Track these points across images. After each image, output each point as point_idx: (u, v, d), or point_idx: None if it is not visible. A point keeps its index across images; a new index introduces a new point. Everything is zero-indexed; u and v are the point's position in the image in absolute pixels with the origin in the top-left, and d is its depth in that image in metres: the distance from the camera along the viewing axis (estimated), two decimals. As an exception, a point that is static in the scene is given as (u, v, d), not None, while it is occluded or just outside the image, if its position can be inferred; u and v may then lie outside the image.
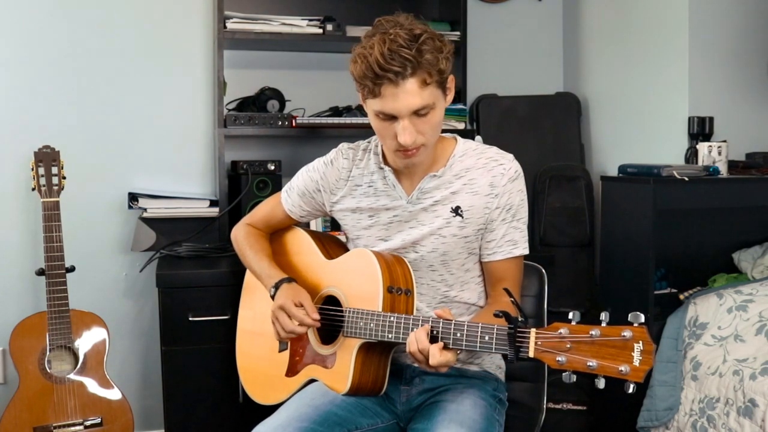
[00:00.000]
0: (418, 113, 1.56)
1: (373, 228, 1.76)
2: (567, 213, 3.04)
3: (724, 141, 2.59)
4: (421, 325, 1.51)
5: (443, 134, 1.77)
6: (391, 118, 1.58)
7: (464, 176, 1.70)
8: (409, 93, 1.53)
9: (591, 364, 1.30)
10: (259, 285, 1.85)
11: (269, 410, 1.71)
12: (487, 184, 1.69)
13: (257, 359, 1.92)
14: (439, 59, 1.54)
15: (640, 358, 1.27)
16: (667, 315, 2.49)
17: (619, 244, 2.58)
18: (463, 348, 1.47)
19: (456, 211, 1.69)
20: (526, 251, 1.75)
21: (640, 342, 1.27)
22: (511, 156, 1.73)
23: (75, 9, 2.78)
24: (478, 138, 2.79)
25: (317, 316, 1.68)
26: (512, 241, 1.72)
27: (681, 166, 2.50)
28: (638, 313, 1.29)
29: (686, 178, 2.40)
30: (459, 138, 1.78)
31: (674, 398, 2.35)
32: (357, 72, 1.57)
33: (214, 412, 2.37)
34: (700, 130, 2.65)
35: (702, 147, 2.57)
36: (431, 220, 1.71)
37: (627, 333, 1.28)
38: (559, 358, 1.32)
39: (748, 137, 2.78)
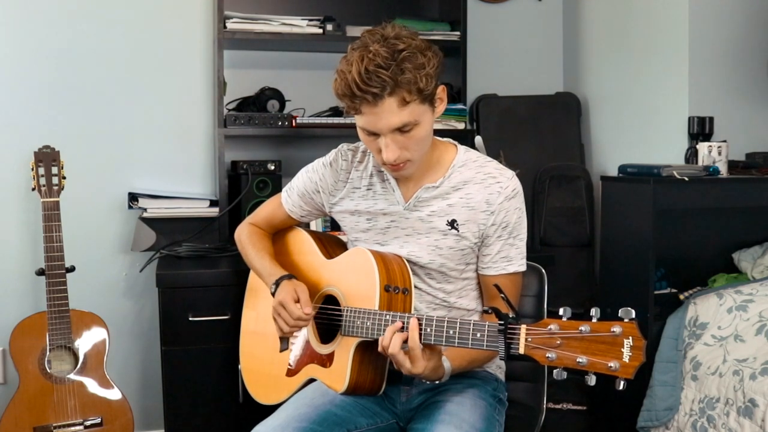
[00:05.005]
0: (401, 130, 1.55)
1: (370, 231, 1.76)
2: (567, 213, 3.04)
3: (724, 141, 2.58)
4: (407, 323, 1.51)
5: (442, 139, 1.77)
6: (374, 133, 1.57)
7: (462, 189, 1.69)
8: (388, 112, 1.52)
9: (581, 360, 1.29)
10: (263, 286, 1.85)
11: (269, 410, 1.71)
12: (483, 200, 1.68)
13: (259, 359, 1.92)
14: (419, 77, 1.51)
15: (630, 354, 1.25)
16: (667, 315, 2.48)
17: (619, 244, 2.58)
18: (456, 345, 1.47)
19: (452, 224, 1.69)
20: (522, 268, 1.73)
21: (630, 338, 1.26)
22: (510, 173, 1.71)
23: (75, 9, 2.78)
24: (479, 138, 2.79)
25: (309, 310, 1.67)
26: (507, 257, 1.71)
27: (681, 166, 2.50)
28: (629, 308, 1.28)
29: (686, 178, 2.40)
30: (459, 145, 1.76)
31: (674, 398, 2.34)
32: (337, 90, 1.56)
33: (214, 412, 2.37)
34: (700, 130, 2.64)
35: (702, 147, 2.57)
36: (428, 231, 1.71)
37: (616, 329, 1.27)
38: (549, 355, 1.31)
39: (748, 137, 2.77)
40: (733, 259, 2.74)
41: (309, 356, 1.76)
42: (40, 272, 2.45)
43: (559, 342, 1.31)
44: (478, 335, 1.44)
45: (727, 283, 2.56)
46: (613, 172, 2.75)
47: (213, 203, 2.75)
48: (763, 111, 2.81)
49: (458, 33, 2.87)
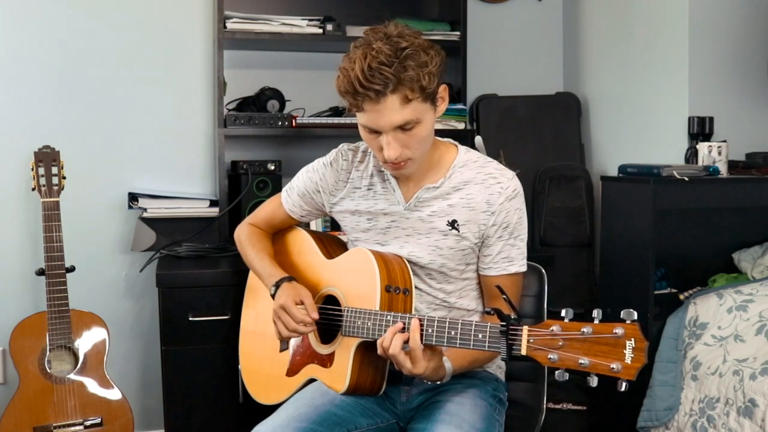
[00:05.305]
0: (402, 128, 1.55)
1: (371, 231, 1.76)
2: (567, 213, 3.04)
3: (724, 141, 2.58)
4: (409, 324, 1.51)
5: (443, 139, 1.77)
6: (376, 131, 1.57)
7: (462, 189, 1.69)
8: (391, 110, 1.52)
9: (583, 361, 1.29)
10: (263, 286, 1.85)
11: (269, 410, 1.71)
12: (484, 201, 1.68)
13: (259, 359, 1.92)
14: (421, 75, 1.51)
15: (632, 355, 1.26)
16: (667, 315, 2.48)
17: (619, 244, 2.57)
18: (457, 346, 1.47)
19: (453, 224, 1.69)
20: (523, 268, 1.73)
21: (632, 339, 1.27)
22: (511, 174, 1.71)
23: (75, 9, 2.78)
24: (479, 138, 2.79)
25: (316, 316, 1.67)
26: (508, 258, 1.71)
27: (681, 166, 2.50)
28: (631, 310, 1.28)
29: (686, 178, 2.40)
30: (460, 146, 1.76)
31: (674, 398, 2.35)
32: (339, 87, 1.56)
33: (214, 412, 2.37)
34: (700, 130, 2.64)
35: (702, 147, 2.57)
36: (428, 231, 1.71)
37: (619, 330, 1.27)
38: (551, 356, 1.32)
39: (748, 137, 2.77)
40: (733, 259, 2.74)
41: (309, 356, 1.76)
42: (40, 272, 2.45)
43: (561, 343, 1.31)
44: (480, 336, 1.44)
45: (727, 283, 2.56)
46: (613, 172, 2.75)
47: (213, 203, 2.75)
48: (763, 111, 2.81)
49: (458, 33, 2.87)
